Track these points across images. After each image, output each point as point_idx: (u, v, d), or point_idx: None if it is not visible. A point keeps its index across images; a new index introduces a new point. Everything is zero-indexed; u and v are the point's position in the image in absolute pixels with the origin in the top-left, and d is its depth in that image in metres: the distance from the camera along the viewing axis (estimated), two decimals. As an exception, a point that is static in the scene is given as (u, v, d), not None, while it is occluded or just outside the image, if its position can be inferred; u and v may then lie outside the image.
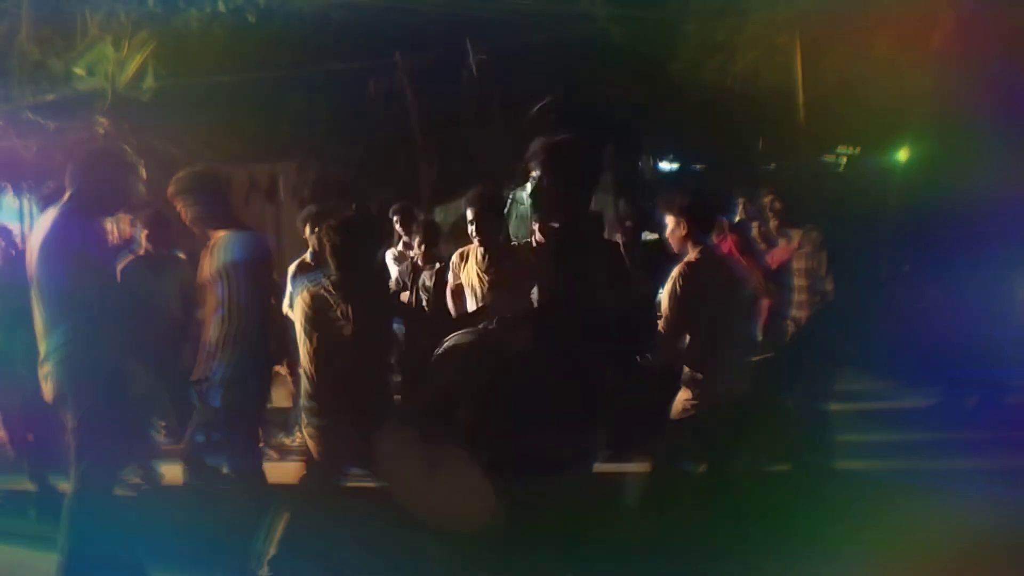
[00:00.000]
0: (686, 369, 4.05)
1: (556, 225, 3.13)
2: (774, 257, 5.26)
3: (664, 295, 3.99)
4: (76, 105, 8.74)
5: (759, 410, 4.09)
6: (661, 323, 4.03)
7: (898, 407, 7.45)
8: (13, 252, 6.90)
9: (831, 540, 4.23)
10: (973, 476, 4.91)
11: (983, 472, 4.96)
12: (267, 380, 4.40)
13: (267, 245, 4.37)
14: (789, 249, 4.88)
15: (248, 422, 4.25)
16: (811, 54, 11.90)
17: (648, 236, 7.47)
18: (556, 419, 2.88)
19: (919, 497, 4.69)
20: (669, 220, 4.08)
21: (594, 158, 3.17)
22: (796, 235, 4.70)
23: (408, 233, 6.67)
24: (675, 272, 3.97)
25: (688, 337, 3.98)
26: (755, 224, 5.87)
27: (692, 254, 4.02)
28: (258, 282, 4.14)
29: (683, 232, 4.02)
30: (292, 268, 5.94)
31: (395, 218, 6.76)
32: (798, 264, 4.60)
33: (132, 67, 8.35)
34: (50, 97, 8.76)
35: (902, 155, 13.18)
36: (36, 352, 3.93)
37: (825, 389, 4.73)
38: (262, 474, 4.28)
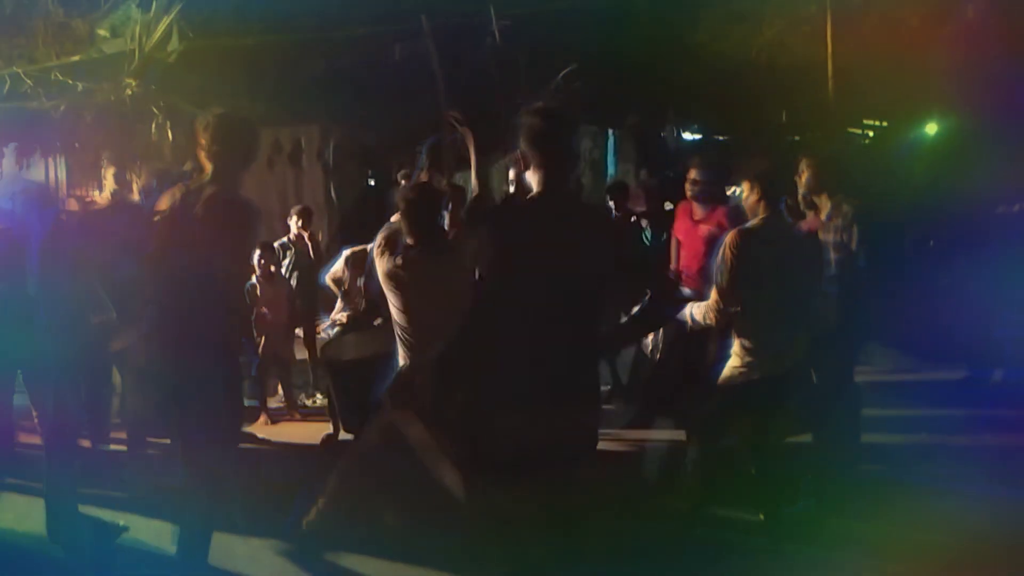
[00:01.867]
0: (736, 337, 4.07)
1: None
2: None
3: (716, 262, 4.00)
4: (102, 66, 8.75)
5: (791, 382, 4.10)
6: (712, 290, 4.04)
7: (924, 380, 7.46)
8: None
9: (829, 539, 4.24)
10: (973, 476, 4.87)
11: (983, 472, 4.91)
12: None
13: None
14: (816, 222, 4.81)
15: None
16: (840, 24, 11.71)
17: (668, 206, 7.45)
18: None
19: (919, 497, 4.66)
20: (744, 186, 4.08)
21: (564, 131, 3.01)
22: (824, 205, 4.63)
23: None
24: (727, 239, 3.97)
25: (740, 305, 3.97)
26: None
27: (753, 221, 4.02)
28: None
29: (755, 198, 4.01)
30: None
31: (403, 183, 6.77)
32: (826, 236, 4.54)
33: (159, 29, 8.34)
34: (75, 58, 8.77)
35: (931, 130, 13.00)
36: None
37: (851, 362, 4.71)
38: None
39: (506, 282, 2.81)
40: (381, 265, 4.32)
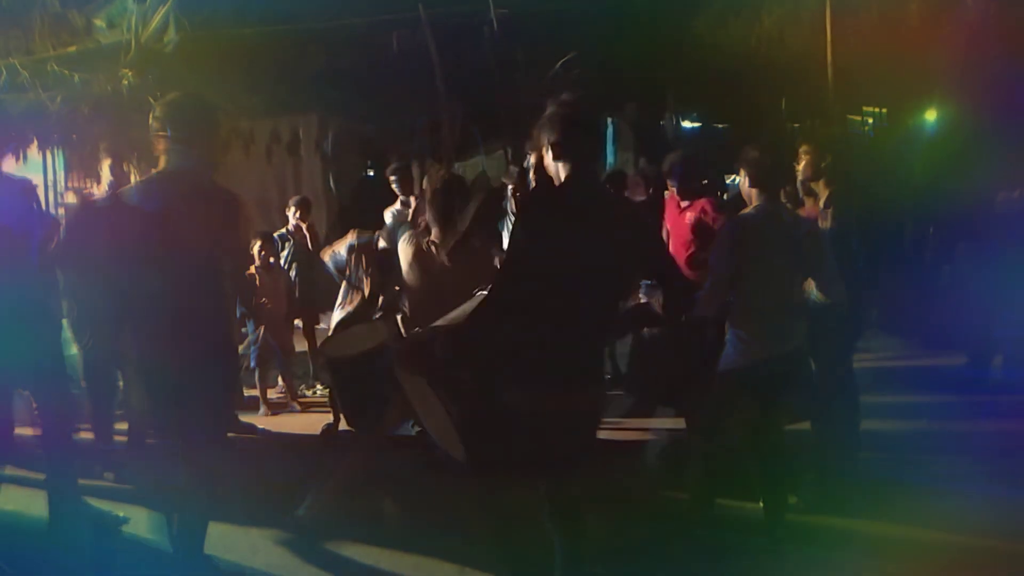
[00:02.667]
0: (731, 327, 4.07)
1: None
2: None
3: (712, 250, 4.01)
4: (99, 57, 8.73)
5: (789, 372, 4.09)
6: (708, 278, 4.03)
7: (925, 365, 7.46)
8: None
9: (829, 539, 4.22)
10: (973, 475, 4.84)
11: (983, 471, 4.88)
12: None
13: None
14: (815, 209, 4.79)
15: None
16: (839, 11, 11.67)
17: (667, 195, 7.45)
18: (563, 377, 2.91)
19: (919, 496, 4.63)
20: (741, 174, 4.10)
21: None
22: (822, 192, 4.61)
23: (406, 193, 6.92)
24: (720, 226, 3.97)
25: (733, 294, 3.97)
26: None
27: (748, 209, 4.02)
28: None
29: (749, 185, 4.02)
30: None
31: (393, 179, 6.98)
32: (823, 224, 4.51)
33: (155, 19, 8.32)
34: (72, 49, 8.75)
35: (931, 117, 12.96)
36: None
37: (849, 349, 4.70)
38: None
39: (539, 264, 2.87)
40: (408, 249, 4.49)
